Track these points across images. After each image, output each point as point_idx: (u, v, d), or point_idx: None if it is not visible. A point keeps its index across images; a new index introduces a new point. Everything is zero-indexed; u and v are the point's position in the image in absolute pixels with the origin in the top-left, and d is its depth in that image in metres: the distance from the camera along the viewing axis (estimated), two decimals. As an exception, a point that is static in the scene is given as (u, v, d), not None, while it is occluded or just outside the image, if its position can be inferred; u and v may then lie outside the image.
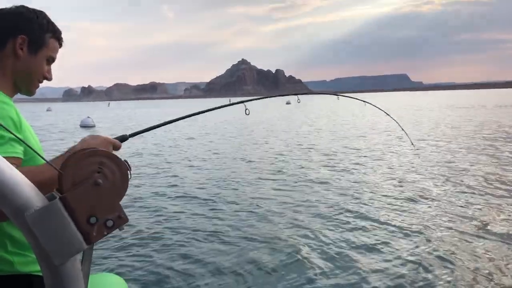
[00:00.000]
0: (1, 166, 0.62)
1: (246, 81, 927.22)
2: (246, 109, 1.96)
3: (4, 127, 0.73)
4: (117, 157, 0.76)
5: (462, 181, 8.40)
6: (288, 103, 70.48)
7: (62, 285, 0.67)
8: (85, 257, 0.84)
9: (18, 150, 1.29)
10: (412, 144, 4.23)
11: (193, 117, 1.88)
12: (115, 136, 1.49)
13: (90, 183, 0.70)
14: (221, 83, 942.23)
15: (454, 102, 61.03)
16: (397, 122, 3.18)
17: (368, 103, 3.07)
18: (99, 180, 0.71)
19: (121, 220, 0.72)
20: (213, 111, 2.00)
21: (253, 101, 2.19)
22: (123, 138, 1.52)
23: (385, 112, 3.10)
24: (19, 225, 0.64)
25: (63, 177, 0.71)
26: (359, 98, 2.98)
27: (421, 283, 4.11)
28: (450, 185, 8.11)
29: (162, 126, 1.76)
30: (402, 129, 3.21)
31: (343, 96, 2.82)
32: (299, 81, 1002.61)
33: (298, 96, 2.37)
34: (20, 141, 1.27)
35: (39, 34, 1.47)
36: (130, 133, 1.62)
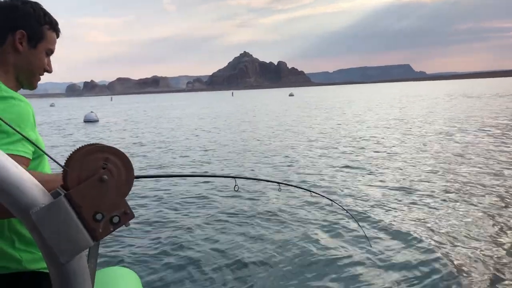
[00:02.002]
0: (7, 165, 0.61)
1: (249, 74, 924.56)
2: (235, 185, 1.83)
3: (13, 128, 0.71)
4: (122, 153, 0.75)
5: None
6: (291, 95, 72.11)
7: (68, 282, 0.66)
8: (92, 254, 0.83)
9: (28, 151, 1.27)
10: None
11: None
12: None
13: (95, 179, 0.69)
14: (224, 76, 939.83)
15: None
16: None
17: (314, 192, 2.51)
18: (105, 176, 0.70)
19: (127, 216, 0.71)
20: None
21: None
22: None
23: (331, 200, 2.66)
24: (25, 222, 0.63)
25: (68, 174, 0.70)
26: (303, 188, 2.59)
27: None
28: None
29: (166, 178, 1.70)
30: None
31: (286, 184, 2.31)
32: (302, 72, 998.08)
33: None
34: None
35: (37, 27, 1.44)
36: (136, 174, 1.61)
